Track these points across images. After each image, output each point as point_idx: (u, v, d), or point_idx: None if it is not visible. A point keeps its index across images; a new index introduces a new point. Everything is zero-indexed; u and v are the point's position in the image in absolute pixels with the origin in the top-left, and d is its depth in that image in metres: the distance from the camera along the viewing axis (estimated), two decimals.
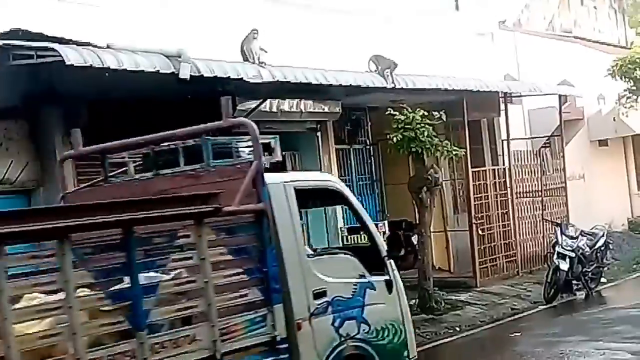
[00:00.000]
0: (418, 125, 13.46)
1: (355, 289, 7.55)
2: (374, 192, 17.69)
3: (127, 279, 5.52)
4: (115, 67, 9.56)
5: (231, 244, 6.33)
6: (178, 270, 5.94)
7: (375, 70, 13.73)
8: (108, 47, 10.07)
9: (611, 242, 18.26)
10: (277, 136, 7.35)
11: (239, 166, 6.92)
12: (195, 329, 5.88)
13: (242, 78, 11.15)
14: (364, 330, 7.52)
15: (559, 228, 15.92)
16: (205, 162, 7.15)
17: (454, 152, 14.24)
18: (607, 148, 24.93)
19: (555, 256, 15.33)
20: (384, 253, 8.01)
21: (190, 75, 10.28)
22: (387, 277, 7.92)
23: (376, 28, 16.51)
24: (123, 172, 8.15)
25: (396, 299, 8.00)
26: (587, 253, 15.89)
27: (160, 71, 10.10)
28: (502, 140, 19.02)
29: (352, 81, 12.85)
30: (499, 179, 18.20)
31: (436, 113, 13.78)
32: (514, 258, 18.04)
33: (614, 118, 23.71)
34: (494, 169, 18.48)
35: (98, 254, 5.55)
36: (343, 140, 16.71)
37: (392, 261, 8.04)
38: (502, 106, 18.42)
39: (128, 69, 9.70)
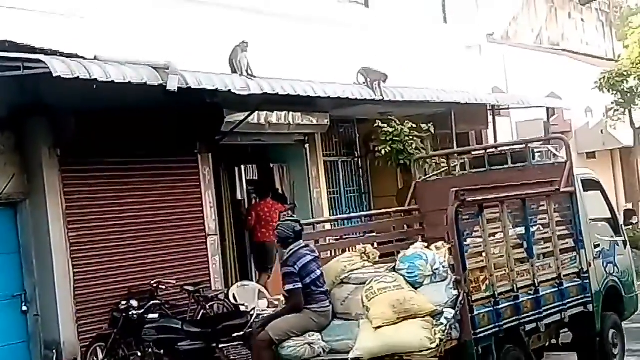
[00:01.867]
0: (406, 138, 13.46)
1: (611, 244, 11.20)
2: (362, 204, 17.63)
3: (522, 228, 9.24)
4: (103, 78, 9.52)
5: (560, 211, 9.91)
6: (538, 225, 9.55)
7: (364, 83, 13.72)
8: (95, 58, 10.03)
9: None
10: (563, 143, 10.82)
11: (556, 165, 10.66)
12: (549, 260, 9.55)
13: (230, 90, 11.13)
14: (616, 271, 11.12)
15: None
16: (527, 161, 10.81)
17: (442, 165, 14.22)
18: (595, 160, 25.01)
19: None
20: (621, 222, 11.88)
21: (178, 87, 10.25)
22: (623, 238, 11.62)
23: (365, 41, 16.54)
24: (451, 169, 12.07)
25: (628, 252, 11.75)
26: None
27: (148, 83, 10.07)
28: None
29: (340, 93, 12.84)
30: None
31: (424, 125, 13.81)
32: None
33: (601, 131, 23.80)
34: None
35: (513, 213, 9.19)
36: (331, 152, 16.71)
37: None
38: (490, 118, 18.45)
39: (115, 80, 9.66)
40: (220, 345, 10.38)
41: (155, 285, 11.69)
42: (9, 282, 11.15)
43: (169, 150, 12.36)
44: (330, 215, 15.69)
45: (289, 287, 8.49)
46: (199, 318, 11.97)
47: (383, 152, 13.48)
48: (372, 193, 17.85)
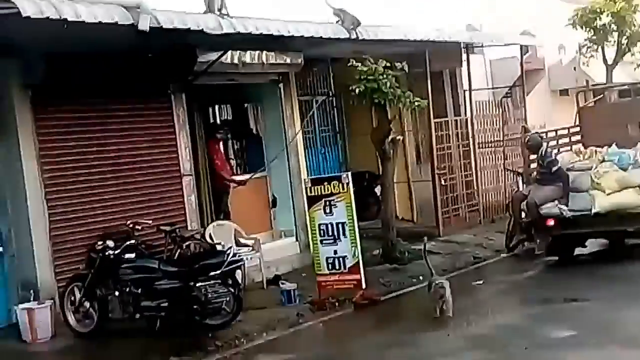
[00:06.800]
0: (380, 77, 13.42)
1: None
2: (337, 143, 17.69)
3: None
4: (73, 18, 9.35)
5: None
6: None
7: (338, 22, 13.61)
8: None
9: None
10: None
11: None
12: None
13: (202, 29, 11.03)
14: None
15: (521, 177, 16.03)
16: None
17: (416, 103, 14.23)
18: (568, 97, 25.09)
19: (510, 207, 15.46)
20: None
21: (150, 27, 10.13)
22: None
23: None
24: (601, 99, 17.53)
25: None
26: None
27: (119, 23, 9.94)
28: (464, 91, 19.07)
29: (313, 32, 12.75)
30: (461, 129, 18.29)
31: (398, 64, 13.75)
32: (477, 207, 18.23)
33: (574, 68, 23.85)
34: (456, 120, 18.55)
35: None
36: (305, 91, 16.67)
37: None
38: (464, 57, 18.43)
39: (86, 20, 9.52)
40: (198, 284, 10.47)
41: (131, 225, 11.72)
42: None
43: (142, 91, 12.30)
44: (305, 155, 15.76)
45: (555, 167, 13.21)
46: (175, 257, 12.05)
47: (357, 91, 13.42)
48: (346, 132, 17.91)
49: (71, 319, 10.89)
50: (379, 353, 9.22)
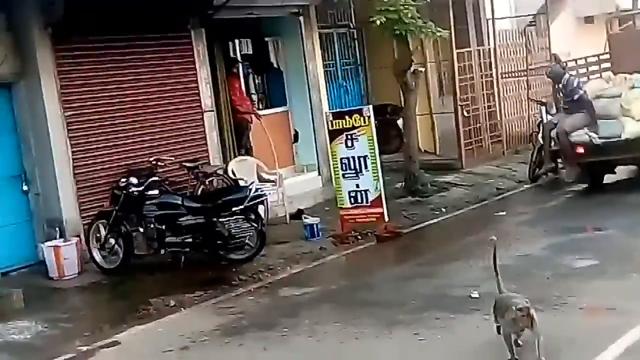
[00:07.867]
0: (402, 7, 13.25)
1: None
2: (359, 76, 17.60)
3: None
4: None
5: None
6: None
7: None
8: None
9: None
10: None
11: None
12: None
13: None
14: None
15: (544, 107, 15.87)
16: None
17: (438, 34, 14.06)
18: (593, 25, 24.70)
19: (540, 135, 15.38)
20: None
21: None
22: None
23: None
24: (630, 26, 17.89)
25: None
26: None
27: None
28: (487, 20, 18.83)
29: None
30: (484, 59, 18.10)
31: None
32: (500, 138, 18.14)
33: None
34: (479, 50, 18.35)
35: None
36: (326, 24, 16.52)
37: None
38: None
39: None
40: (221, 220, 10.54)
41: (154, 162, 11.77)
42: (8, 162, 11.25)
43: (162, 26, 12.22)
44: (326, 88, 15.68)
45: (577, 95, 13.24)
46: (198, 193, 12.11)
47: (378, 22, 13.27)
48: (368, 64, 17.78)
49: (97, 255, 11.03)
50: (402, 285, 9.28)
